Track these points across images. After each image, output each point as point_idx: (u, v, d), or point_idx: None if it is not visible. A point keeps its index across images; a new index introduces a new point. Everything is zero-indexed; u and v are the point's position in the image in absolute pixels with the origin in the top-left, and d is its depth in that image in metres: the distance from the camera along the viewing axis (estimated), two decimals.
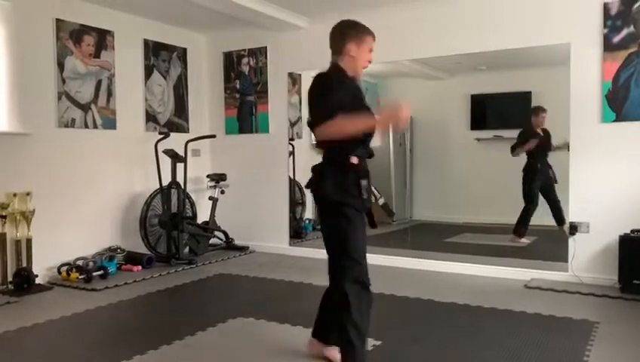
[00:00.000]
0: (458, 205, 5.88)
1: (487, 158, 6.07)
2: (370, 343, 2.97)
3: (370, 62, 2.70)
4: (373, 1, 4.86)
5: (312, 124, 2.43)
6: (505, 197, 5.74)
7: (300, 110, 6.24)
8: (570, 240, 4.34)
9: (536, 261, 4.65)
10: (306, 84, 6.20)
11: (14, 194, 4.24)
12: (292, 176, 5.93)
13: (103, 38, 4.98)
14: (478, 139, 6.05)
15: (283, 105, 5.79)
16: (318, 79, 2.58)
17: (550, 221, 5.25)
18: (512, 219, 5.55)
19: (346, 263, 2.49)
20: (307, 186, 2.60)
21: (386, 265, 5.02)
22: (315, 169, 2.56)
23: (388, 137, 6.65)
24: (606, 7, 4.16)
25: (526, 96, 5.81)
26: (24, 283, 4.13)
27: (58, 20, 4.60)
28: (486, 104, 6.12)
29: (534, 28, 4.43)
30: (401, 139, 6.62)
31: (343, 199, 2.43)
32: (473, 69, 5.92)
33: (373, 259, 5.06)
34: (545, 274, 4.42)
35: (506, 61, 5.39)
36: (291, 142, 5.91)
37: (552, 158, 5.39)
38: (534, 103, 5.74)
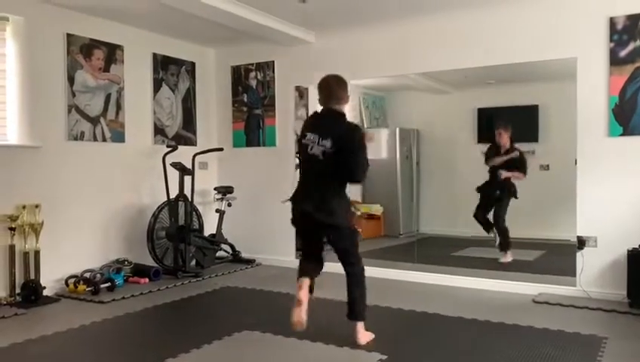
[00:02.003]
0: (465, 219, 5.85)
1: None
2: (376, 358, 2.97)
3: None
4: (379, 15, 4.90)
5: (355, 171, 3.10)
6: (512, 211, 5.71)
7: None
8: (578, 255, 4.31)
9: (544, 275, 4.61)
10: (313, 97, 6.27)
11: (23, 207, 4.28)
12: None
13: (112, 53, 5.05)
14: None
15: (290, 118, 5.83)
16: (358, 130, 3.22)
17: (558, 235, 5.22)
18: (519, 233, 5.53)
19: (359, 256, 3.37)
20: (308, 214, 3.16)
21: (393, 278, 5.00)
22: (325, 200, 3.13)
23: (395, 151, 6.66)
24: (612, 22, 4.17)
25: (533, 109, 5.80)
26: (32, 295, 4.16)
27: (69, 35, 4.67)
28: (493, 118, 6.12)
29: (541, 42, 4.45)
30: (407, 152, 6.62)
31: (351, 223, 3.31)
32: (480, 83, 5.93)
33: (380, 272, 5.10)
34: (553, 289, 4.39)
35: (513, 75, 5.40)
36: (298, 155, 5.92)
37: (558, 172, 5.40)
38: (542, 117, 5.74)
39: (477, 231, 5.79)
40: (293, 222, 3.34)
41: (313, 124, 3.28)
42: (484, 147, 5.80)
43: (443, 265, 5.18)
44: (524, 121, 5.94)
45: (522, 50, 4.54)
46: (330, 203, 3.12)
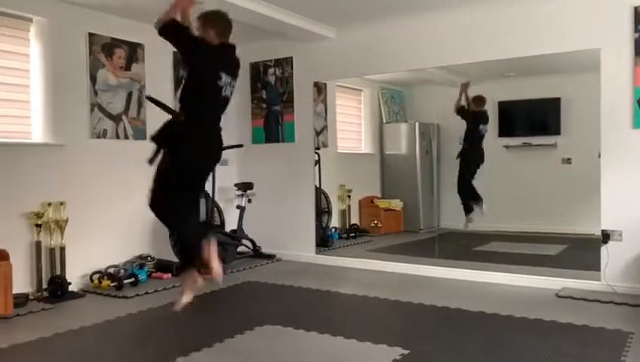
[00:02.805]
0: (486, 213, 5.81)
1: (515, 166, 5.99)
2: (398, 352, 2.97)
3: None
4: (397, 9, 4.87)
5: None
6: (534, 205, 5.66)
7: (326, 119, 6.28)
8: (603, 249, 4.25)
9: (568, 270, 4.56)
10: (332, 93, 6.28)
11: (49, 204, 4.37)
12: (318, 185, 5.96)
13: (133, 51, 5.11)
14: (507, 147, 5.98)
15: (309, 114, 5.84)
16: None
17: (581, 229, 5.15)
18: (542, 227, 5.47)
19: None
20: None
21: (414, 273, 5.00)
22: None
23: (415, 145, 6.62)
24: (636, 12, 4.08)
25: (555, 102, 5.72)
26: (58, 290, 4.24)
27: (91, 34, 4.74)
28: (514, 111, 6.06)
29: (564, 33, 4.39)
30: (427, 146, 6.59)
31: None
32: (501, 76, 5.86)
33: (401, 267, 5.09)
34: (576, 283, 4.33)
35: (535, 67, 5.33)
36: (317, 151, 5.94)
37: (581, 166, 5.34)
38: (564, 110, 5.66)
39: (498, 225, 5.74)
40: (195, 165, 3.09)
41: (224, 62, 3.09)
42: (506, 140, 5.75)
43: (464, 260, 5.15)
44: (545, 114, 5.87)
45: (544, 42, 4.47)
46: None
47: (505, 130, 6.03)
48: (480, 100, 5.83)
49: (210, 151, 3.14)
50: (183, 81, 3.13)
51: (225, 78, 3.04)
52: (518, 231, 5.91)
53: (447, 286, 4.58)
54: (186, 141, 2.97)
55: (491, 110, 6.04)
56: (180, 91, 3.13)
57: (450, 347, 3.11)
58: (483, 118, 5.82)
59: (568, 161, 5.64)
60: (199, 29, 3.07)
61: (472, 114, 5.84)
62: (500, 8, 4.64)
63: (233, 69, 3.13)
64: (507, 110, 6.09)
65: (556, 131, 5.74)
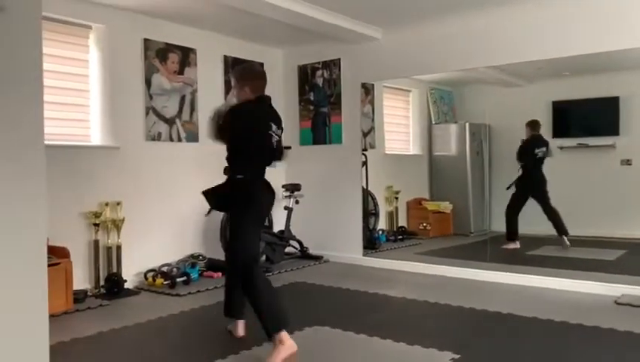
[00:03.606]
0: (539, 216, 5.63)
1: (570, 167, 5.80)
2: (449, 357, 2.93)
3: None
4: (447, 9, 4.80)
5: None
6: (590, 208, 5.45)
7: (373, 120, 6.26)
8: None
9: (627, 276, 4.37)
10: (379, 93, 6.25)
11: (106, 204, 4.54)
12: (365, 187, 5.94)
13: (186, 56, 5.24)
14: (561, 148, 5.80)
15: (356, 115, 5.83)
16: None
17: None
18: (599, 231, 5.27)
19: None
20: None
21: (464, 277, 4.91)
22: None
23: (465, 146, 6.51)
24: None
25: (613, 101, 5.50)
26: (114, 287, 4.40)
27: (146, 40, 4.89)
28: (569, 111, 5.86)
29: (623, 30, 4.20)
30: (478, 148, 6.46)
31: None
32: (555, 75, 5.68)
33: (451, 271, 5.00)
34: (637, 290, 4.14)
35: (592, 65, 5.14)
36: (364, 152, 5.93)
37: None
38: (623, 109, 5.43)
39: (553, 229, 5.57)
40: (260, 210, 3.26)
41: (270, 114, 3.25)
42: (560, 141, 5.58)
43: (517, 264, 5.02)
44: (603, 114, 5.65)
45: (604, 39, 4.29)
46: None
47: (559, 131, 5.84)
48: (533, 124, 5.68)
49: (271, 196, 3.31)
50: (231, 143, 3.21)
51: (274, 127, 3.20)
52: (573, 235, 5.70)
53: (498, 291, 4.48)
54: (251, 200, 3.13)
55: (545, 110, 5.87)
56: (231, 152, 3.23)
57: (502, 353, 3.04)
58: (536, 141, 5.67)
59: (628, 162, 5.41)
60: (235, 85, 3.24)
61: (527, 141, 5.70)
62: (557, 5, 4.49)
63: (274, 119, 3.24)
64: (562, 110, 5.89)
65: (614, 131, 5.51)
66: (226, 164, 3.24)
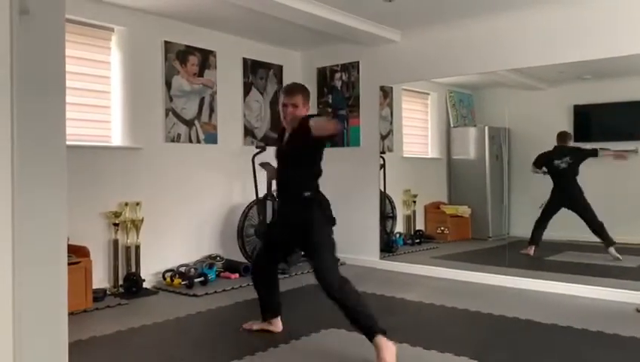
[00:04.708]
0: (560, 221, 5.55)
1: (591, 172, 5.70)
2: None
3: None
4: (466, 11, 4.78)
5: None
6: (611, 213, 5.35)
7: (392, 123, 6.23)
8: None
9: None
10: (398, 96, 6.23)
11: (126, 204, 4.60)
12: (383, 190, 5.92)
13: (206, 58, 5.29)
14: None
15: (374, 118, 5.82)
16: None
17: None
18: (620, 237, 5.17)
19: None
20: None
21: (482, 282, 4.87)
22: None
23: (484, 150, 6.45)
24: None
25: (635, 105, 5.40)
26: (133, 286, 4.45)
27: (166, 42, 4.95)
28: (591, 115, 5.77)
29: None
30: (497, 151, 6.40)
31: None
32: (577, 78, 5.61)
33: (469, 276, 4.96)
34: None
35: (614, 69, 5.06)
36: (382, 155, 5.91)
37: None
38: None
39: (573, 234, 5.49)
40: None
41: None
42: (582, 146, 5.50)
43: (536, 269, 4.96)
44: (626, 118, 5.55)
45: (622, 43, 4.22)
46: None
47: (581, 135, 5.75)
48: (559, 135, 5.59)
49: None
50: (307, 168, 3.57)
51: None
52: (593, 241, 5.60)
53: (517, 297, 4.43)
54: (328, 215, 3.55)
55: (566, 114, 5.79)
56: (307, 176, 3.59)
57: (520, 359, 3.00)
58: (556, 152, 5.57)
59: None
60: (304, 104, 3.33)
61: (546, 152, 5.62)
62: (575, 10, 4.43)
63: None
64: (583, 114, 5.81)
65: (637, 136, 5.41)
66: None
